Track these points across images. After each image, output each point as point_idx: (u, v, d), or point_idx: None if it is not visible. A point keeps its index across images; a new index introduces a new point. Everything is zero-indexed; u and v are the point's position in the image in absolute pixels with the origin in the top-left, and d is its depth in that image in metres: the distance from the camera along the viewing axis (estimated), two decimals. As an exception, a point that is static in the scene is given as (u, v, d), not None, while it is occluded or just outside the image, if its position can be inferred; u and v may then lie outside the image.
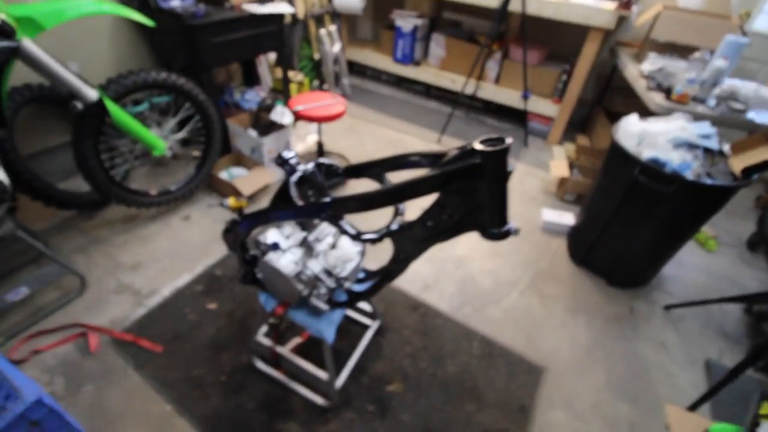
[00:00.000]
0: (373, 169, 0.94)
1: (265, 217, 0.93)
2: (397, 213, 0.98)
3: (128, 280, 1.78)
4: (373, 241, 0.89)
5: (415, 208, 0.99)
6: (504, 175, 0.68)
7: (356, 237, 0.89)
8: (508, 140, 0.65)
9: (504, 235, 0.73)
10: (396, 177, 0.89)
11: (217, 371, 1.48)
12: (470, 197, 0.73)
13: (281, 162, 0.95)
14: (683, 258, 2.17)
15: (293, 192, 0.90)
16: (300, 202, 0.89)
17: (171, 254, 1.91)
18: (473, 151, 0.67)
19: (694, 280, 2.08)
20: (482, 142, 0.67)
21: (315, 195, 1.02)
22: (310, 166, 0.97)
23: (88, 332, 1.54)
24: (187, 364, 1.49)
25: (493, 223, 0.73)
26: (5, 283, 1.69)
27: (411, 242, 0.89)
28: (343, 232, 0.87)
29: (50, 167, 2.03)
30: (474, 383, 1.53)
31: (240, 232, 1.06)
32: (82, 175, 1.71)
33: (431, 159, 0.83)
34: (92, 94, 1.51)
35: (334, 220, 0.85)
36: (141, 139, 1.74)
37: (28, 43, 1.28)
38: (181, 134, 2.07)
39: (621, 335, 1.76)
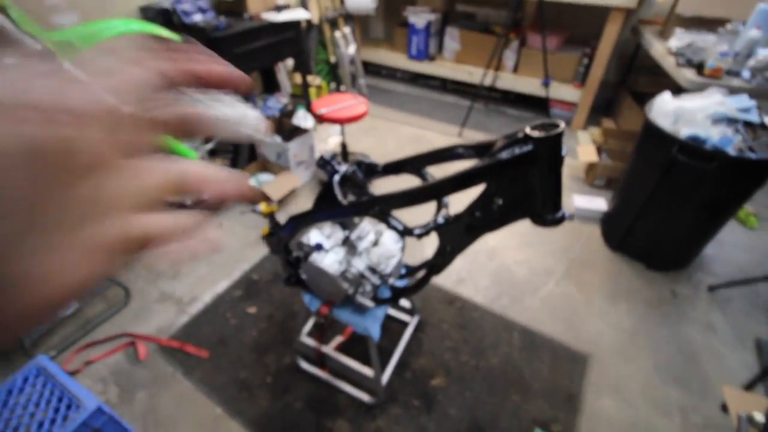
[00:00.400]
0: (414, 164, 0.95)
1: (311, 219, 0.94)
2: (441, 206, 0.98)
3: (169, 288, 1.83)
4: (421, 235, 0.89)
5: (455, 202, 0.99)
6: (559, 161, 0.67)
7: (405, 232, 0.89)
8: (562, 124, 0.65)
9: (559, 220, 0.72)
10: (436, 172, 0.89)
11: (262, 373, 1.51)
12: (522, 185, 0.72)
13: (323, 164, 0.96)
14: (724, 237, 2.10)
15: (338, 192, 0.91)
16: (344, 202, 0.91)
17: (208, 262, 1.96)
18: (526, 137, 0.66)
19: (737, 258, 2.01)
20: (534, 128, 0.66)
21: (356, 194, 1.03)
22: (351, 165, 0.98)
23: (136, 341, 1.60)
24: (233, 367, 1.53)
25: (546, 209, 0.72)
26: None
27: (458, 234, 0.88)
28: (392, 227, 0.88)
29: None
30: (518, 374, 1.52)
31: (284, 235, 1.08)
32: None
33: (476, 150, 0.83)
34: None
35: (383, 216, 0.86)
36: (176, 151, 1.79)
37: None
38: (210, 145, 2.12)
39: (665, 319, 1.72)
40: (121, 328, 1.66)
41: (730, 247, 2.08)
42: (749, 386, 1.37)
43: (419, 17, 3.28)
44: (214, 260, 1.96)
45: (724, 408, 1.38)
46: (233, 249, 2.03)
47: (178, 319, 1.70)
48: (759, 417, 0.93)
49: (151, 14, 2.07)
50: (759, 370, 1.37)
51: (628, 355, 1.58)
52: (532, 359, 1.56)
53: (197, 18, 2.02)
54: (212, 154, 2.26)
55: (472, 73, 3.27)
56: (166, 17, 2.03)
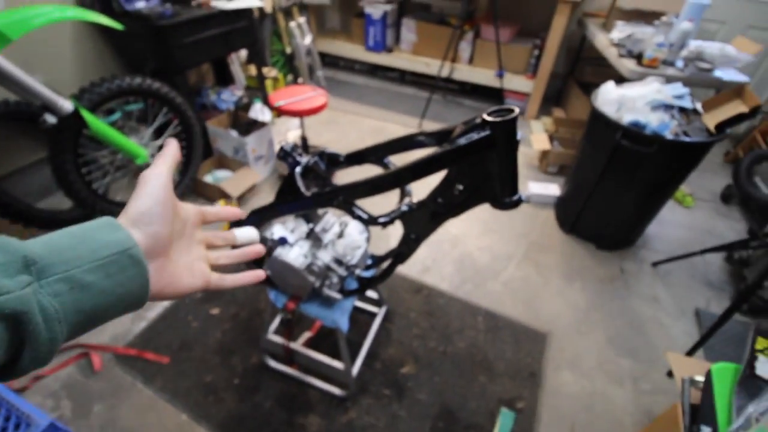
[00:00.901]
0: (376, 153, 0.95)
1: (274, 212, 0.92)
2: (405, 194, 0.99)
3: (124, 294, 1.73)
4: (386, 224, 0.90)
5: (418, 190, 1.00)
6: (514, 144, 0.69)
7: (370, 221, 0.89)
8: (516, 110, 0.67)
9: (516, 203, 0.75)
10: (399, 160, 0.90)
11: (229, 375, 1.47)
12: (481, 169, 0.74)
13: (284, 155, 0.94)
14: (664, 216, 2.27)
15: (300, 183, 0.90)
16: (307, 193, 0.89)
17: (165, 264, 1.86)
18: (483, 123, 0.68)
19: (677, 235, 2.19)
20: (491, 113, 0.68)
21: (319, 185, 1.01)
22: (312, 156, 0.97)
23: (90, 351, 1.50)
24: (197, 371, 1.47)
25: (504, 192, 0.75)
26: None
27: (422, 221, 0.90)
28: (356, 217, 0.88)
29: (26, 187, 1.94)
30: (483, 356, 1.57)
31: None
32: (63, 191, 1.64)
33: (437, 137, 0.84)
34: (67, 105, 1.45)
35: (347, 206, 0.86)
36: (122, 148, 1.68)
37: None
38: (161, 141, 2.01)
39: (615, 295, 1.84)
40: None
41: (670, 225, 2.25)
42: (690, 352, 1.50)
43: (375, 8, 3.26)
44: (171, 262, 1.87)
45: (670, 374, 1.50)
46: (191, 249, 1.94)
47: (135, 326, 1.61)
48: (700, 378, 1.02)
49: (88, 0, 1.92)
50: (699, 337, 1.50)
51: (584, 330, 1.68)
52: (496, 341, 1.63)
53: (140, 5, 1.90)
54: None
55: (430, 65, 3.30)
56: (105, 3, 1.88)
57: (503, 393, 1.46)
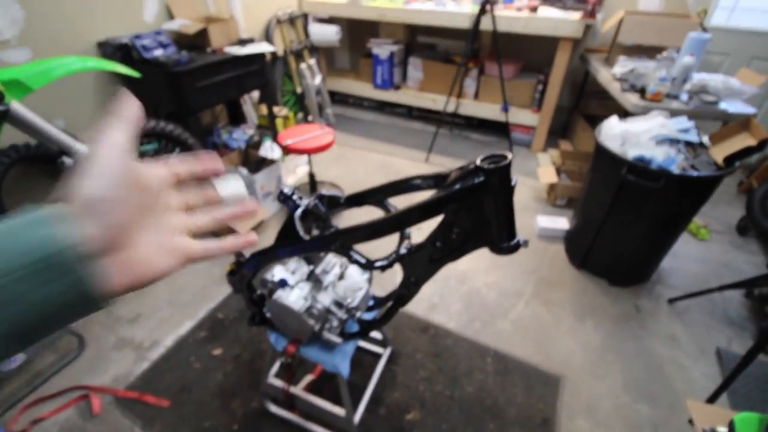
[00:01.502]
0: (376, 195, 0.95)
1: (272, 255, 0.92)
2: (404, 237, 0.98)
3: (128, 333, 1.72)
4: (384, 268, 0.89)
5: (418, 232, 1.00)
6: (509, 190, 0.69)
7: (367, 265, 0.88)
8: (509, 156, 0.67)
9: (514, 248, 0.74)
10: (398, 201, 0.90)
11: (228, 420, 1.43)
12: (478, 214, 0.74)
13: (283, 198, 0.95)
14: (679, 250, 2.20)
15: (299, 227, 0.90)
16: (306, 237, 0.89)
17: (170, 302, 1.87)
18: (477, 169, 0.68)
19: (693, 270, 2.11)
20: (484, 160, 0.68)
21: (319, 227, 1.02)
22: (312, 199, 0.98)
23: (90, 394, 1.48)
24: (196, 416, 1.44)
25: (502, 237, 0.74)
26: (-1, 350, 1.62)
27: (421, 264, 0.88)
28: (354, 261, 0.87)
29: (39, 226, 1.99)
30: (493, 401, 1.50)
31: (246, 272, 1.04)
32: (74, 230, 1.68)
33: (433, 180, 0.84)
34: (84, 149, 1.51)
35: (344, 250, 0.85)
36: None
37: (16, 106, 1.28)
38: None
39: (631, 334, 1.77)
40: (74, 380, 1.54)
41: (686, 259, 2.18)
42: (713, 398, 1.41)
43: (382, 48, 3.39)
44: (177, 300, 1.88)
45: (692, 422, 1.40)
46: (197, 287, 1.95)
47: (136, 367, 1.59)
48: (723, 430, 0.95)
49: (109, 50, 2.04)
50: (721, 381, 1.41)
51: (598, 373, 1.61)
52: (506, 384, 1.56)
53: (158, 53, 2.01)
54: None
55: (436, 101, 3.38)
56: (125, 53, 2.00)
57: (515, 442, 1.38)
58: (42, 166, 1.95)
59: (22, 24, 1.84)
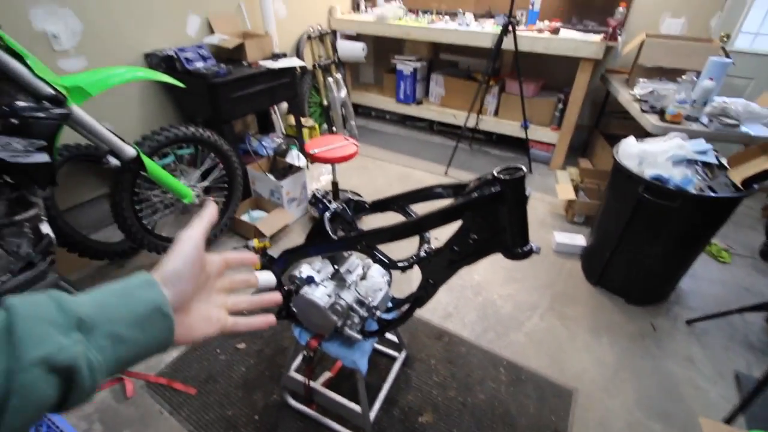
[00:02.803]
0: (399, 202, 1.03)
1: (303, 252, 1.01)
2: (424, 241, 1.05)
3: (159, 324, 1.83)
4: (405, 268, 0.96)
5: (431, 238, 1.06)
6: (523, 200, 0.75)
7: (390, 265, 0.96)
8: (523, 169, 0.74)
9: (527, 254, 0.80)
10: (419, 209, 0.97)
11: (250, 410, 1.50)
12: (493, 221, 0.81)
13: (315, 201, 1.04)
14: (699, 271, 2.19)
15: (328, 228, 0.98)
16: (334, 237, 0.97)
17: (198, 297, 1.97)
18: (493, 179, 0.75)
19: (713, 292, 2.10)
20: (500, 171, 0.75)
21: (345, 229, 1.10)
22: (340, 203, 1.06)
23: (124, 378, 1.59)
24: (220, 404, 1.52)
25: (515, 243, 0.80)
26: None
27: (439, 267, 0.95)
28: (378, 261, 0.94)
29: (84, 220, 2.15)
30: (505, 410, 1.53)
31: (276, 268, 1.13)
32: (118, 225, 1.82)
33: (453, 189, 0.91)
34: (131, 150, 1.65)
35: (369, 250, 0.93)
36: (173, 189, 1.86)
37: (76, 109, 1.43)
38: (207, 182, 2.19)
39: (646, 353, 1.77)
40: (108, 365, 1.65)
41: (705, 281, 2.17)
42: (729, 420, 1.40)
43: (406, 65, 3.51)
44: (205, 296, 1.98)
45: (705, 440, 1.40)
46: (224, 284, 2.05)
47: (167, 356, 1.69)
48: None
49: (155, 61, 2.21)
50: (738, 404, 1.41)
51: (612, 389, 1.62)
52: (519, 394, 1.58)
53: (199, 65, 2.16)
54: (207, 191, 2.33)
55: (457, 116, 3.46)
56: (169, 64, 2.17)
57: (524, 450, 1.41)
58: (89, 165, 2.12)
59: (80, 36, 2.03)
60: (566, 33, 2.84)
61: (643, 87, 2.29)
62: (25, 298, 0.31)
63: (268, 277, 0.52)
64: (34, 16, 1.85)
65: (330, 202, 1.05)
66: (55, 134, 1.36)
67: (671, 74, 2.38)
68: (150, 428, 1.44)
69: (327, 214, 1.02)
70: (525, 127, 3.09)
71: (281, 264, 1.11)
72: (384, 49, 3.91)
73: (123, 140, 1.66)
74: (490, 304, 1.99)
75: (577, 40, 2.68)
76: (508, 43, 2.74)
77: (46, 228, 1.50)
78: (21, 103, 1.31)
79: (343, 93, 3.40)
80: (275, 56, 2.53)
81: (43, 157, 1.35)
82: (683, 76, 2.15)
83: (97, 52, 2.09)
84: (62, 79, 1.44)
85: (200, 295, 0.43)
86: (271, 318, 0.49)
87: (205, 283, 0.44)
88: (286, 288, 1.22)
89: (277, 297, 0.51)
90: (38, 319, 0.29)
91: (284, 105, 3.11)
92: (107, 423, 1.46)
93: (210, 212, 0.45)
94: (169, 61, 2.19)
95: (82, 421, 1.46)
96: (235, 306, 0.47)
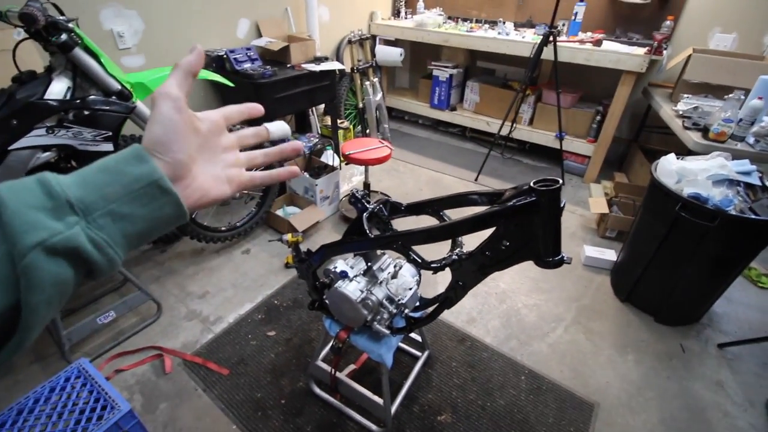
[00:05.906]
0: (434, 206, 1.08)
1: (342, 248, 1.07)
2: (456, 245, 1.09)
3: (197, 307, 1.95)
4: (437, 270, 1.00)
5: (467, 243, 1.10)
6: (558, 211, 0.79)
7: (423, 265, 1.01)
8: (560, 181, 0.77)
9: (558, 263, 0.83)
10: (452, 214, 1.02)
11: (277, 395, 1.59)
12: (527, 230, 0.84)
13: (354, 200, 1.10)
14: (734, 295, 2.12)
15: (366, 226, 1.04)
16: (371, 235, 1.03)
17: (234, 284, 2.09)
18: (530, 189, 0.79)
19: (748, 317, 2.03)
20: (537, 182, 0.79)
21: (380, 229, 1.16)
22: (378, 204, 1.12)
23: (164, 354, 1.71)
24: (250, 386, 1.61)
25: (547, 252, 0.83)
26: (92, 307, 1.91)
27: (470, 270, 0.99)
28: (412, 260, 1.00)
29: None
30: (524, 417, 1.55)
31: (314, 262, 1.20)
32: (165, 213, 1.95)
33: (488, 197, 0.96)
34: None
35: (405, 250, 0.98)
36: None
37: (140, 104, 1.56)
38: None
39: (673, 373, 1.74)
40: (151, 341, 1.78)
41: (741, 305, 2.10)
42: (758, 447, 1.37)
43: (442, 71, 3.55)
44: (240, 284, 2.09)
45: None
46: (258, 274, 2.16)
47: (203, 337, 1.80)
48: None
49: (207, 61, 2.35)
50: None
51: (635, 407, 1.60)
52: (538, 404, 1.60)
53: (247, 66, 2.29)
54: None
55: (490, 124, 3.47)
56: (220, 64, 2.30)
57: (542, 458, 1.42)
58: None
59: (141, 35, 2.19)
60: (609, 45, 2.80)
61: (687, 103, 2.24)
62: (13, 185, 0.29)
63: (280, 126, 0.46)
64: (104, 16, 2.01)
65: (368, 202, 1.11)
66: (120, 126, 1.49)
67: (717, 91, 2.32)
68: (185, 403, 1.55)
69: (365, 213, 1.08)
70: (560, 138, 3.07)
71: (318, 258, 1.18)
72: (421, 54, 3.96)
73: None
74: (515, 313, 2.01)
75: (620, 53, 2.64)
76: (547, 53, 2.73)
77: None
78: (93, 97, 1.44)
79: (379, 96, 3.47)
80: (317, 59, 2.63)
81: (109, 147, 1.49)
82: (730, 94, 2.09)
83: (154, 51, 2.25)
84: (128, 76, 1.58)
85: (203, 156, 0.39)
86: (294, 168, 0.46)
87: (206, 143, 0.40)
88: (320, 281, 1.29)
89: (297, 145, 0.45)
90: (27, 207, 0.28)
91: (321, 106, 3.21)
92: (147, 395, 1.57)
93: (187, 60, 0.38)
94: (219, 61, 2.32)
95: (123, 391, 1.58)
96: (251, 161, 0.43)
